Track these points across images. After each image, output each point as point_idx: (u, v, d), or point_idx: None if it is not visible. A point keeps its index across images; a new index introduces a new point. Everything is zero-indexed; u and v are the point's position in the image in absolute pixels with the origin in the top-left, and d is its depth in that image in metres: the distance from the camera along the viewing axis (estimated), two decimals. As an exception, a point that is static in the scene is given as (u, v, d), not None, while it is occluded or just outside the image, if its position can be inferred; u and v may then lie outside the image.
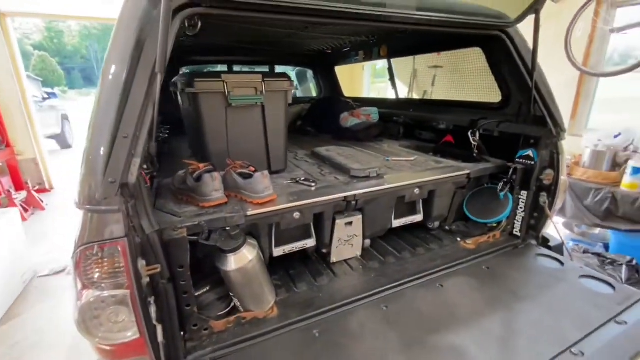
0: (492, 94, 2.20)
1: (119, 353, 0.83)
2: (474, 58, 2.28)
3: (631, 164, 2.49)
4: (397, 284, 1.29)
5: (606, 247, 2.78)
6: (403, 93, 4.36)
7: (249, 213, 1.08)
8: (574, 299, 1.20)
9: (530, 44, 1.41)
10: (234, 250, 1.02)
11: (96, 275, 0.77)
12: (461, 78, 2.66)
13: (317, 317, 1.13)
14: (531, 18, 1.33)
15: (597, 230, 2.94)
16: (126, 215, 0.76)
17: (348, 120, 2.35)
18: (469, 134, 1.77)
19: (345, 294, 1.24)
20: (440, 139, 2.13)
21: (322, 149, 1.82)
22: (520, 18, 1.35)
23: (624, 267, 2.36)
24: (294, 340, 1.04)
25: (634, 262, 2.38)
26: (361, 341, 1.02)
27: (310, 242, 1.37)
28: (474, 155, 1.76)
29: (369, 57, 2.60)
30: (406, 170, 1.58)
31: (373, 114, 2.42)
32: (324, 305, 1.17)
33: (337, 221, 1.34)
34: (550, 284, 1.29)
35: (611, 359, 0.92)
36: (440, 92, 2.89)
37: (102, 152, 0.75)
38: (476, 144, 1.77)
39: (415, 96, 3.18)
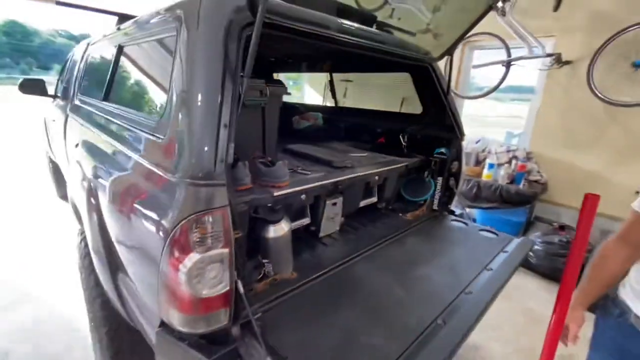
0: (393, 105, 2.88)
1: (205, 305, 0.98)
2: (375, 77, 2.93)
3: (487, 161, 3.60)
4: (375, 244, 1.72)
5: (474, 221, 3.87)
6: (318, 101, 4.93)
7: (275, 194, 1.33)
8: (479, 243, 1.86)
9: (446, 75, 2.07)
10: (277, 221, 1.26)
11: (200, 239, 0.93)
12: (365, 90, 3.35)
13: (330, 272, 1.46)
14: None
15: (468, 210, 4.04)
16: (227, 189, 0.95)
17: (300, 122, 2.69)
18: (400, 136, 2.36)
19: (342, 255, 1.59)
20: (374, 141, 2.68)
21: (293, 146, 2.13)
22: (441, 57, 1.98)
23: (487, 232, 3.40)
24: (321, 288, 1.35)
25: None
26: (370, 281, 1.40)
27: (306, 221, 1.67)
28: (404, 152, 2.35)
29: (311, 69, 3.00)
30: (365, 162, 2.03)
31: (319, 118, 2.83)
32: (332, 264, 1.50)
33: (327, 202, 1.68)
34: (464, 236, 1.94)
35: (506, 269, 1.56)
36: (350, 102, 3.51)
37: (212, 137, 0.92)
38: (405, 143, 2.37)
39: (329, 104, 3.70)
